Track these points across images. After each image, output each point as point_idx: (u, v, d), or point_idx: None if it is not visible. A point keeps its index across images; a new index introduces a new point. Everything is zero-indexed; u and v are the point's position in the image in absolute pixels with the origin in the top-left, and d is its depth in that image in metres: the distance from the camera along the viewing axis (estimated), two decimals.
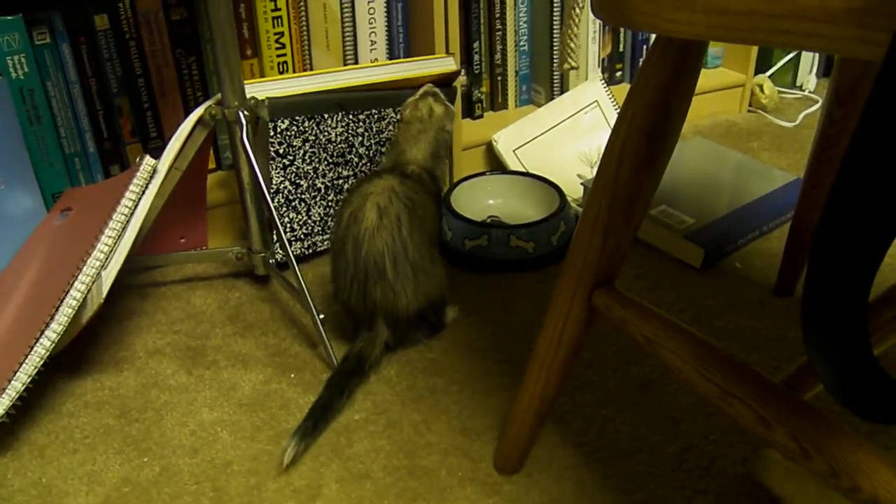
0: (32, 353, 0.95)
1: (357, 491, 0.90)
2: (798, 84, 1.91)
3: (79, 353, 1.11)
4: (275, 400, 1.04)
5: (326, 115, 1.22)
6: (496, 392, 1.04)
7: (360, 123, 1.25)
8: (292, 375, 1.08)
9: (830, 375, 0.51)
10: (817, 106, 1.81)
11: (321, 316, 1.07)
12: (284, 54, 1.36)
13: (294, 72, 1.38)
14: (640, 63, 0.71)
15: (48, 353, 0.95)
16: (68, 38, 1.22)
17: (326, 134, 1.23)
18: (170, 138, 1.11)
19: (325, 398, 0.99)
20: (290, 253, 1.08)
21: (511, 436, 0.91)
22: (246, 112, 1.10)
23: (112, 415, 1.02)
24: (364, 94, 1.24)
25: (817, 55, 1.88)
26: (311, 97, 1.20)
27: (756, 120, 1.78)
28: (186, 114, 1.33)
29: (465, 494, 0.89)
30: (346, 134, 1.25)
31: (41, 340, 0.95)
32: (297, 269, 1.07)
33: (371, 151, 1.29)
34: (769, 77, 1.83)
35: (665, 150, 0.73)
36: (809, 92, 1.88)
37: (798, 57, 1.87)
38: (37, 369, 0.95)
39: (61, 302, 0.97)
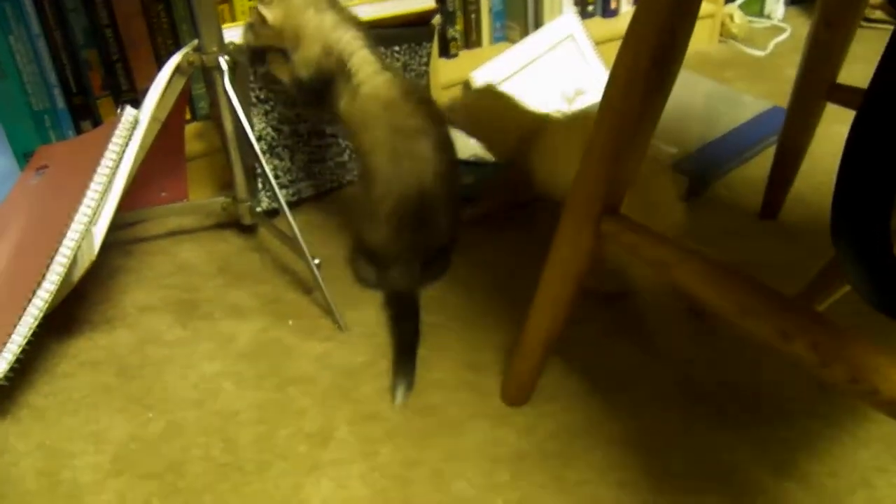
0: (26, 313, 0.92)
1: (369, 432, 0.91)
2: (766, 13, 1.91)
3: (69, 313, 1.08)
4: (275, 348, 1.03)
5: None
6: (496, 326, 1.05)
7: None
8: (290, 322, 1.07)
9: (858, 271, 0.51)
10: (787, 34, 1.82)
11: (316, 261, 1.05)
12: None
13: None
14: None
15: (42, 312, 0.93)
16: None
17: None
18: (146, 89, 1.07)
19: (407, 338, 1.01)
20: (281, 198, 1.06)
21: (519, 369, 0.92)
22: (227, 57, 1.07)
23: (110, 373, 1.01)
24: None
25: None
26: None
27: (728, 50, 1.79)
28: (158, 64, 1.28)
29: (476, 428, 0.90)
30: None
31: (34, 301, 0.93)
32: (289, 214, 1.05)
33: None
34: (738, 7, 1.83)
35: (672, 73, 0.73)
36: (778, 21, 1.89)
37: None
38: (32, 330, 0.92)
39: (51, 260, 0.94)
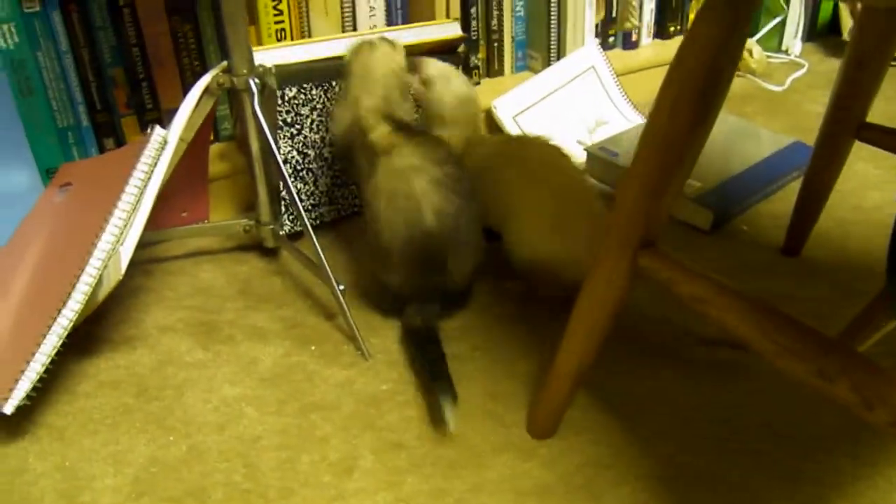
0: (51, 332, 0.91)
1: (393, 461, 0.89)
2: (783, 48, 1.92)
3: (88, 333, 1.07)
4: (297, 373, 1.02)
5: (334, 83, 1.19)
6: (519, 356, 1.04)
7: None
8: (313, 348, 1.06)
9: None
10: (804, 70, 1.83)
11: (341, 287, 1.05)
12: (282, 21, 1.32)
13: (292, 39, 1.35)
14: (692, 20, 0.70)
15: (66, 331, 0.92)
16: (58, 5, 1.16)
17: (334, 102, 1.20)
18: (172, 109, 1.07)
19: (436, 361, 0.98)
20: (307, 222, 1.05)
21: (547, 401, 0.90)
22: (257, 80, 1.07)
23: (130, 394, 1.00)
24: None
25: (802, 19, 1.90)
26: (318, 65, 1.17)
27: (746, 84, 1.80)
28: (183, 84, 1.30)
29: (501, 461, 0.89)
30: None
31: (59, 320, 0.92)
32: (314, 239, 1.05)
33: None
34: (756, 42, 1.84)
35: (717, 105, 0.72)
36: (795, 56, 1.90)
37: (784, 21, 1.88)
38: (56, 349, 0.91)
39: (77, 279, 0.93)
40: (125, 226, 0.97)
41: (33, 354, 0.90)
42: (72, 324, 0.93)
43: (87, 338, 1.07)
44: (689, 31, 0.71)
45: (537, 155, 1.13)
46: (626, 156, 1.38)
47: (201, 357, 1.05)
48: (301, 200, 1.23)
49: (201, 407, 0.97)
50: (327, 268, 1.05)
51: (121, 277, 0.94)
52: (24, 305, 0.98)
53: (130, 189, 0.97)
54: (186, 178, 1.22)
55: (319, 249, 1.05)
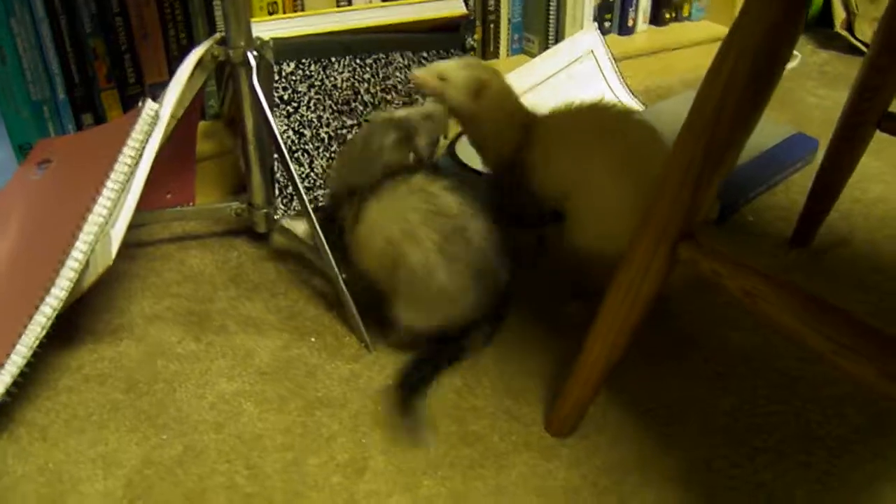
0: (32, 322, 0.84)
1: (407, 461, 0.84)
2: None
3: (69, 322, 0.99)
4: (298, 367, 0.96)
5: (333, 59, 1.12)
6: (533, 353, 0.99)
7: (367, 69, 1.16)
8: (313, 339, 1.00)
9: None
10: (797, 61, 1.81)
11: (343, 275, 0.99)
12: None
13: (284, 13, 1.28)
14: (742, 7, 0.65)
15: (50, 321, 0.85)
16: None
17: (332, 79, 1.13)
18: (156, 84, 1.00)
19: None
20: (308, 206, 0.99)
21: (570, 397, 0.86)
22: (255, 53, 1.00)
23: (118, 388, 0.92)
24: (371, 37, 1.15)
25: None
26: (318, 39, 1.10)
27: None
28: (168, 58, 1.22)
29: (522, 460, 0.84)
30: (352, 80, 1.15)
31: (42, 308, 0.84)
32: (316, 223, 0.98)
33: (376, 99, 1.20)
34: None
35: (768, 95, 0.68)
36: None
37: None
38: (39, 341, 0.84)
39: (62, 264, 0.86)
40: (114, 206, 0.89)
41: (13, 346, 0.83)
42: (56, 312, 0.85)
43: (68, 327, 0.99)
44: (743, 10, 0.67)
45: (633, 137, 0.99)
46: None
47: (193, 349, 0.98)
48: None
49: (196, 403, 0.91)
50: (329, 255, 0.99)
51: (110, 262, 0.87)
52: (2, 292, 0.90)
53: (120, 166, 0.90)
54: (172, 158, 1.14)
55: (321, 233, 0.99)
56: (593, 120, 1.03)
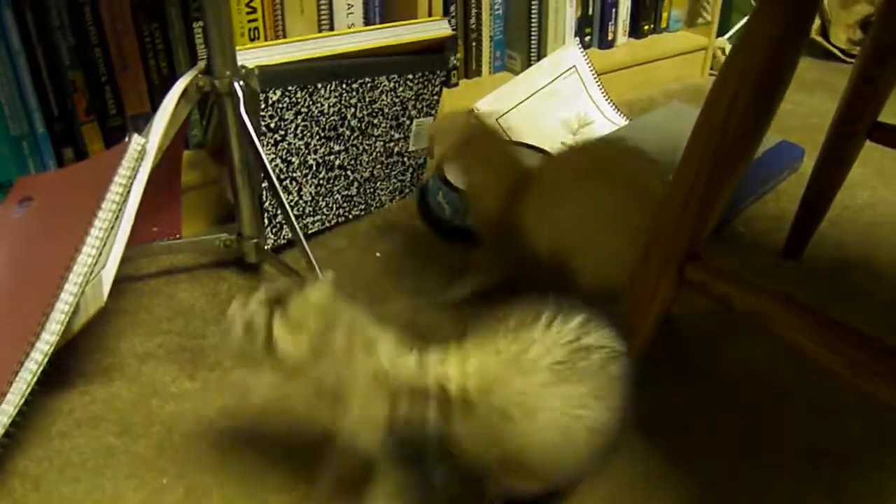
0: (23, 369, 0.81)
1: None
2: None
3: (58, 363, 0.96)
4: (296, 403, 0.94)
5: (319, 85, 1.10)
6: None
7: (354, 93, 1.15)
8: None
9: None
10: None
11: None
12: (255, 20, 1.23)
13: (265, 38, 1.26)
14: (748, 19, 0.65)
15: (41, 367, 0.82)
16: (10, 1, 1.05)
17: (319, 105, 1.12)
18: (140, 116, 0.98)
19: None
20: (301, 235, 0.97)
21: None
22: (241, 82, 0.98)
23: (112, 432, 0.90)
24: (357, 62, 1.14)
25: None
26: (303, 65, 1.08)
27: None
28: (150, 88, 1.20)
29: None
30: (338, 105, 1.14)
31: (32, 355, 0.82)
32: (309, 252, 0.97)
33: (363, 124, 1.19)
34: (727, 40, 1.83)
35: (775, 106, 0.68)
36: None
37: None
38: (30, 388, 0.81)
39: (51, 309, 0.83)
40: (103, 245, 0.87)
41: (4, 395, 0.80)
42: (46, 358, 0.83)
43: (56, 369, 0.96)
44: (747, 28, 0.66)
45: (627, 174, 0.94)
46: None
47: (188, 387, 0.96)
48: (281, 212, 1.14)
49: (195, 444, 0.88)
50: None
51: (102, 304, 0.84)
52: None
53: (108, 204, 0.87)
54: (158, 191, 1.11)
55: (315, 263, 0.97)
56: (594, 165, 0.96)
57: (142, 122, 1.20)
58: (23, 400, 0.81)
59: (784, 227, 1.21)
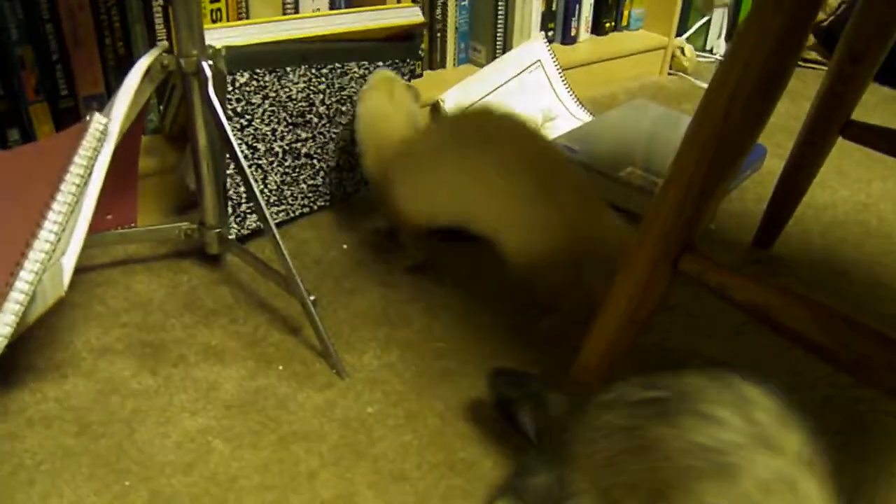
0: None
1: (397, 495, 0.79)
2: (709, 48, 1.94)
3: (3, 359, 0.89)
4: (268, 398, 0.89)
5: (288, 69, 1.06)
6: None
7: (322, 79, 1.11)
8: (280, 368, 0.93)
9: None
10: None
11: (312, 297, 0.93)
12: (218, 0, 1.18)
13: (228, 20, 1.20)
14: (748, 12, 0.64)
15: None
16: None
17: (287, 90, 1.07)
18: (93, 97, 0.91)
19: None
20: (272, 223, 0.92)
21: None
22: (210, 62, 0.93)
23: (68, 432, 0.84)
24: (326, 46, 1.10)
25: (726, 19, 1.91)
26: (272, 47, 1.04)
27: (680, 82, 1.79)
28: (105, 68, 1.14)
29: None
30: (307, 90, 1.10)
31: None
32: (281, 243, 0.92)
33: (331, 111, 1.14)
34: (686, 40, 1.84)
35: (774, 102, 0.67)
36: (720, 56, 1.92)
37: (709, 21, 1.89)
38: None
39: (6, 297, 0.77)
40: (62, 230, 0.81)
41: None
42: (0, 351, 0.76)
43: (2, 365, 0.89)
44: (747, 20, 0.65)
45: (508, 134, 0.98)
46: (586, 153, 1.33)
47: (150, 383, 0.90)
48: (247, 201, 1.09)
49: (160, 443, 0.83)
50: (296, 276, 0.92)
51: (63, 294, 0.78)
52: None
53: (67, 186, 0.81)
54: (113, 177, 1.04)
55: (287, 254, 0.92)
56: (475, 131, 1.00)
57: (95, 104, 1.14)
58: None
59: (751, 223, 1.22)
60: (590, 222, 0.93)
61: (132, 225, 1.12)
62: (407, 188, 1.04)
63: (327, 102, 1.13)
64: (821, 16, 1.90)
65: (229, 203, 1.06)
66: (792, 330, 0.65)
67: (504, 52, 1.51)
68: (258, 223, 1.12)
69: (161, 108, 1.21)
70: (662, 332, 1.01)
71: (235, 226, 1.09)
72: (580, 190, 0.95)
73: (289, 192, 1.15)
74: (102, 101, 1.14)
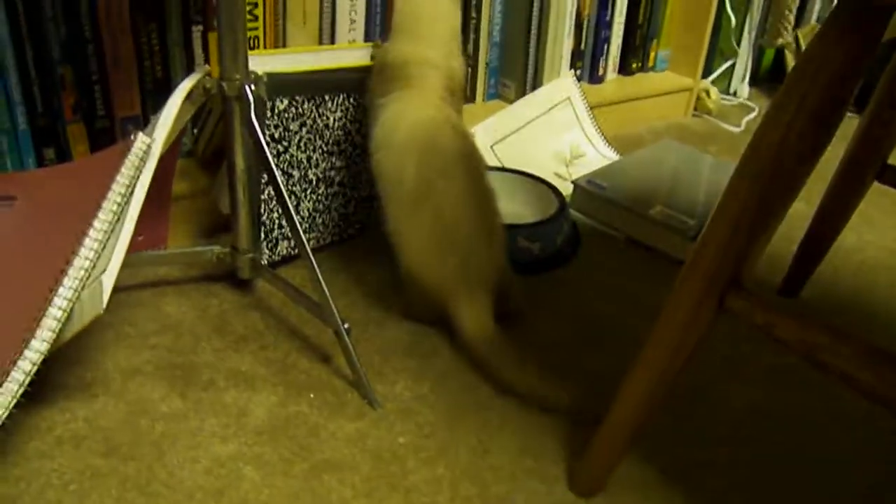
0: (9, 379, 0.74)
1: None
2: (732, 91, 1.95)
3: (34, 376, 0.89)
4: (299, 426, 0.88)
5: (327, 98, 1.07)
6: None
7: (360, 109, 1.11)
8: (311, 396, 0.92)
9: None
10: (755, 113, 1.85)
11: (346, 325, 0.92)
12: (256, 28, 1.19)
13: (265, 47, 1.22)
14: (809, 43, 0.64)
15: (29, 378, 0.75)
16: None
17: (325, 118, 1.08)
18: (130, 118, 0.92)
19: None
20: (308, 250, 0.92)
21: (598, 455, 0.81)
22: (252, 87, 0.93)
23: (97, 452, 0.82)
24: (364, 76, 1.10)
25: (750, 63, 1.93)
26: (312, 76, 1.04)
27: (705, 124, 1.80)
28: (142, 91, 1.14)
29: None
30: (344, 120, 1.10)
31: (20, 364, 0.75)
32: (317, 269, 0.92)
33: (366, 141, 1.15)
34: (711, 83, 1.85)
35: (831, 136, 0.67)
36: (744, 99, 1.93)
37: (734, 65, 1.91)
38: (16, 400, 0.74)
39: (43, 314, 0.76)
40: (102, 248, 0.81)
41: None
42: (35, 368, 0.76)
43: (34, 383, 0.88)
44: (807, 52, 0.65)
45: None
46: (613, 189, 1.33)
47: (180, 406, 0.89)
48: (281, 227, 1.09)
49: (190, 468, 0.82)
50: (331, 303, 0.92)
51: (101, 312, 0.78)
52: None
53: (109, 204, 0.82)
54: (147, 198, 1.05)
55: (322, 281, 0.92)
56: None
57: (131, 126, 1.14)
58: (7, 412, 0.74)
59: (778, 266, 1.21)
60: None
61: (163, 247, 1.12)
62: None
63: (363, 133, 1.13)
64: None
65: (262, 228, 1.06)
66: (840, 369, 0.64)
67: (533, 89, 1.52)
68: (289, 249, 1.12)
69: (195, 131, 1.21)
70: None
71: (267, 251, 1.09)
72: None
73: (320, 220, 1.15)
74: (139, 122, 1.15)
